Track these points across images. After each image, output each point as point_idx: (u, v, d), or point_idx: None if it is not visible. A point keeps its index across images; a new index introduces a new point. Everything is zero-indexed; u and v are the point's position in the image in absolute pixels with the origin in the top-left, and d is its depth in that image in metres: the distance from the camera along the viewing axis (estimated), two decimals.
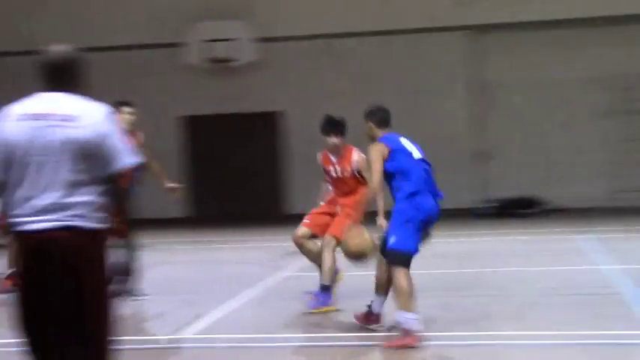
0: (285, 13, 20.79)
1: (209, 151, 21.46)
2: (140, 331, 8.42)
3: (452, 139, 20.34)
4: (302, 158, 19.33)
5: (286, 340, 8.25)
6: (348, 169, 9.19)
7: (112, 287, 4.47)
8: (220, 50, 20.53)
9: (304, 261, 9.90)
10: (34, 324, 4.37)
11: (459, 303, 9.55)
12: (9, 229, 4.44)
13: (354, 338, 8.06)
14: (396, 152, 7.74)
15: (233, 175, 21.24)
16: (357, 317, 8.13)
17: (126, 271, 4.54)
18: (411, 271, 7.56)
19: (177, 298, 10.26)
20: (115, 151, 4.39)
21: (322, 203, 9.53)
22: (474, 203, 20.24)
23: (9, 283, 11.07)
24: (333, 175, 9.35)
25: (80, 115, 4.36)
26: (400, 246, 7.52)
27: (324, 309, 8.93)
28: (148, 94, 20.77)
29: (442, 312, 8.91)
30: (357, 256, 8.05)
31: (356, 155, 9.17)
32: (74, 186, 4.31)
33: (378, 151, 7.71)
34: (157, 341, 8.11)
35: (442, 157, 20.31)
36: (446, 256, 12.91)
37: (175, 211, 20.96)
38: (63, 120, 4.34)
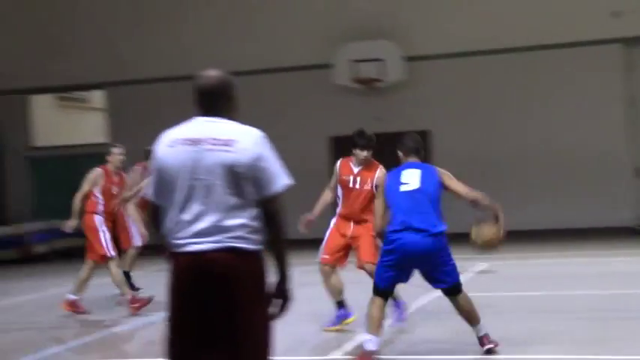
0: (431, 32, 20.80)
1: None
2: (292, 352, 8.52)
3: (610, 155, 19.89)
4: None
5: None
6: (369, 181, 9.38)
7: (269, 308, 4.49)
8: (368, 70, 20.65)
9: None
10: (188, 344, 4.42)
11: (622, 325, 9.19)
12: (167, 251, 4.51)
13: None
14: (386, 188, 8.15)
15: None
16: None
17: (282, 293, 4.51)
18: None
19: (328, 318, 10.26)
20: (270, 174, 4.44)
21: (332, 226, 9.70)
22: (635, 221, 19.55)
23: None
24: (350, 185, 9.46)
25: (235, 139, 4.43)
26: (374, 278, 8.16)
27: None
28: (298, 115, 21.17)
29: (608, 334, 8.67)
30: (488, 248, 8.26)
31: (380, 172, 9.38)
32: (231, 209, 4.38)
33: (381, 185, 8.47)
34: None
35: (601, 174, 19.91)
36: (607, 276, 12.56)
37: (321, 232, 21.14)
38: (219, 144, 4.41)
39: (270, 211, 4.44)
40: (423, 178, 7.98)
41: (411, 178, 7.98)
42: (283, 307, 4.53)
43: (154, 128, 4.76)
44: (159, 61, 21.57)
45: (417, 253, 7.79)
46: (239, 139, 4.42)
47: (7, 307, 13.28)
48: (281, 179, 4.45)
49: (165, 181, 4.47)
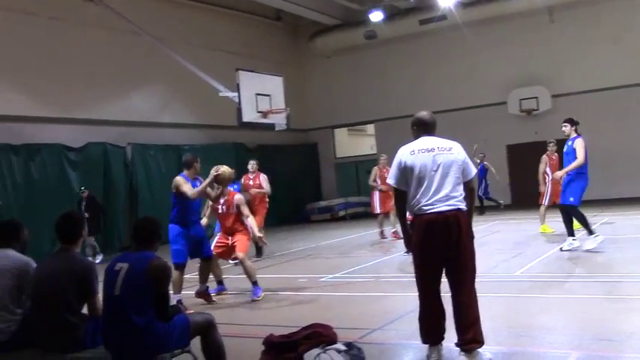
0: (569, 76, 19.34)
1: (525, 171, 20.38)
2: (491, 270, 8.29)
3: None
4: None
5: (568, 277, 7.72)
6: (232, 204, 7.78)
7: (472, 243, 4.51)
8: (528, 104, 19.79)
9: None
10: (431, 264, 4.45)
11: None
12: (414, 214, 4.50)
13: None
14: None
15: None
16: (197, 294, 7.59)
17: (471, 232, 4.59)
18: None
19: (510, 252, 10.01)
20: (469, 167, 4.52)
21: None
22: None
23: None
24: (222, 208, 7.86)
25: (451, 147, 4.51)
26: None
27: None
28: (488, 133, 20.44)
29: None
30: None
31: (237, 196, 7.86)
32: (454, 186, 4.42)
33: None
34: (500, 276, 7.96)
35: None
36: None
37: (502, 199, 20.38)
38: (444, 150, 4.47)
39: (470, 187, 4.51)
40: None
41: None
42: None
43: (397, 146, 4.94)
44: (402, 104, 21.32)
45: None
46: (453, 147, 4.49)
47: (332, 245, 13.73)
48: (474, 170, 4.55)
49: (407, 175, 4.43)
